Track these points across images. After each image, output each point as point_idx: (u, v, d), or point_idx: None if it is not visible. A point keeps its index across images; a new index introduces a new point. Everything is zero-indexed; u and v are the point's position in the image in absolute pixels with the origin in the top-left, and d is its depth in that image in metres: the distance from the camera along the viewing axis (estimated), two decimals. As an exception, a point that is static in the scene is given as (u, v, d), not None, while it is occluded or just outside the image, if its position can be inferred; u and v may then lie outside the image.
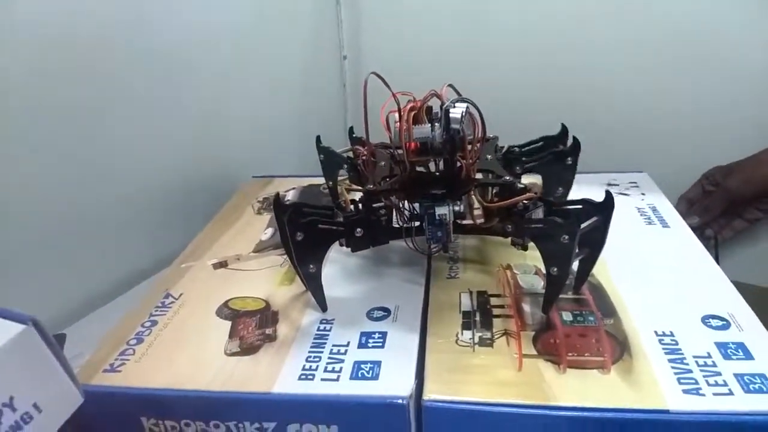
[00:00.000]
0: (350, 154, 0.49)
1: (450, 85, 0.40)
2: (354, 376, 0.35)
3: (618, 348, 0.36)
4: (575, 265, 0.40)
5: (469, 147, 0.40)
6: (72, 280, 0.54)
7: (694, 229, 0.64)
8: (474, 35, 0.75)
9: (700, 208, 0.66)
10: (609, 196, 0.37)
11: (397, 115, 0.39)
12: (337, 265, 0.48)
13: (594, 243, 0.39)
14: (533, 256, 0.41)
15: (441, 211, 0.40)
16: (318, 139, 0.50)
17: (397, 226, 0.44)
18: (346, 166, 0.48)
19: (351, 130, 0.51)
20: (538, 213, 0.39)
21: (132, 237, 0.59)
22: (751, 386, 0.33)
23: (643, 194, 0.57)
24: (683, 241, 0.49)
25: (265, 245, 0.51)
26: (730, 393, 0.32)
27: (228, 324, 0.41)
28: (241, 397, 0.35)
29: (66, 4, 0.49)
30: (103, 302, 0.53)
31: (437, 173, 0.42)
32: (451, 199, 0.40)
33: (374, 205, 0.42)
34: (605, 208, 0.38)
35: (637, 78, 0.69)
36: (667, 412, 0.32)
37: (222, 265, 0.49)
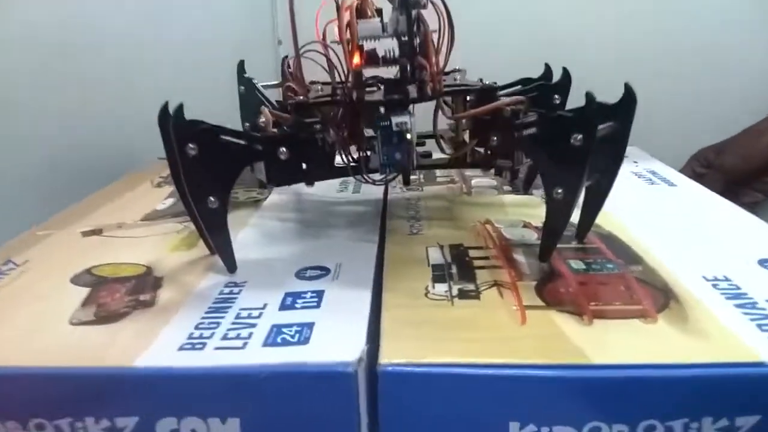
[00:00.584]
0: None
1: None
2: (270, 342, 0.22)
3: (659, 295, 0.25)
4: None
5: (432, 56, 0.29)
6: None
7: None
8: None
9: (693, 194, 0.57)
10: (629, 91, 0.27)
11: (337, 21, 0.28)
12: (258, 228, 0.35)
13: (608, 163, 0.28)
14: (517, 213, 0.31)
15: (399, 119, 0.28)
16: (241, 65, 0.38)
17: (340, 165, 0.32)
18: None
19: (241, 65, 0.39)
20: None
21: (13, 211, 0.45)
22: None
23: (635, 162, 0.48)
24: (700, 195, 0.39)
25: (161, 214, 0.38)
26: None
27: (84, 292, 0.28)
28: (78, 374, 0.21)
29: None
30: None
31: (393, 81, 0.31)
32: (410, 104, 0.29)
33: (306, 120, 0.30)
34: (624, 107, 0.27)
35: (618, 55, 0.62)
36: (762, 364, 0.20)
37: (95, 232, 0.35)
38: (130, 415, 0.21)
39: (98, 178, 0.49)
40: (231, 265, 0.29)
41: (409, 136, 0.29)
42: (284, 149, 0.29)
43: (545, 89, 0.36)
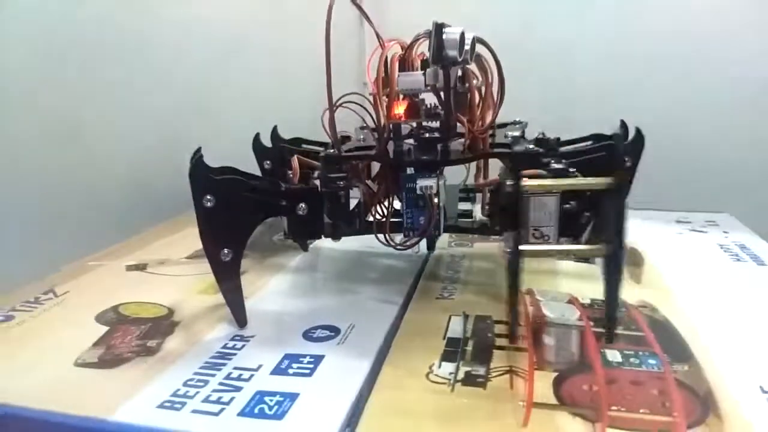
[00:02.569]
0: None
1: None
2: (247, 412, 0.21)
3: (698, 405, 0.21)
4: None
5: (478, 114, 0.27)
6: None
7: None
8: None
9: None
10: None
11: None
12: (289, 277, 0.35)
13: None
14: (568, 285, 0.28)
15: (424, 183, 0.27)
16: (257, 138, 0.38)
17: (370, 219, 0.31)
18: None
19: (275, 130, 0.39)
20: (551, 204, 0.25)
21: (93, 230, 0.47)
22: None
23: (725, 232, 0.42)
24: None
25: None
26: None
27: (104, 330, 0.28)
28: (64, 422, 0.21)
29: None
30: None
31: (427, 134, 0.29)
32: (440, 166, 0.27)
33: (331, 175, 0.29)
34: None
35: (713, 111, 0.56)
36: None
37: (139, 267, 0.36)
38: (98, 470, 0.21)
39: (163, 210, 0.51)
40: (241, 320, 0.28)
41: (436, 200, 0.27)
42: (303, 205, 0.28)
43: (612, 151, 0.33)
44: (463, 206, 0.33)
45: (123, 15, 0.48)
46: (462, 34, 0.26)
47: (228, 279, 0.27)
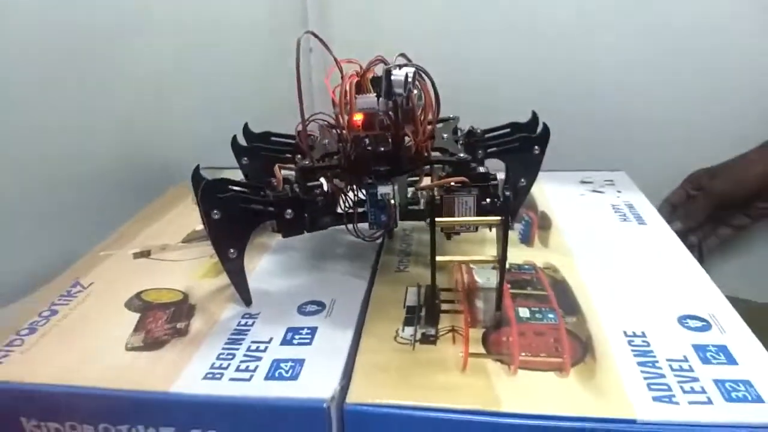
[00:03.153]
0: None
1: (402, 55, 0.36)
2: (270, 376, 0.30)
3: (579, 348, 0.31)
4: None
5: (421, 125, 0.35)
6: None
7: (677, 235, 0.60)
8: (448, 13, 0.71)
9: (684, 214, 0.61)
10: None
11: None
12: (274, 257, 0.43)
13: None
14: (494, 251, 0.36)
15: (384, 190, 0.35)
16: (235, 139, 0.44)
17: (340, 211, 0.39)
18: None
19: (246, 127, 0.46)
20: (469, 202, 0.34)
21: (65, 224, 0.53)
22: (733, 394, 0.27)
23: (618, 192, 0.53)
24: (660, 238, 0.44)
25: (198, 235, 0.46)
26: (709, 401, 0.27)
27: (135, 317, 0.36)
28: (133, 396, 0.29)
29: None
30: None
31: (382, 148, 0.37)
32: (395, 175, 0.35)
33: (309, 184, 0.36)
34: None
35: (617, 74, 0.65)
36: (633, 422, 0.26)
37: (144, 254, 0.43)
38: (169, 426, 0.29)
39: (143, 190, 0.57)
40: (247, 300, 0.36)
41: (392, 202, 0.35)
42: (290, 210, 0.36)
43: (526, 141, 0.42)
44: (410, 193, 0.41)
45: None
46: (406, 76, 0.33)
47: (235, 271, 0.35)
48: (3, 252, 0.49)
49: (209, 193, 0.33)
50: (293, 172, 0.38)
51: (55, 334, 0.34)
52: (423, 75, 0.34)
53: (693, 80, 0.63)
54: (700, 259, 0.60)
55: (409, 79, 0.33)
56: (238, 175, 0.58)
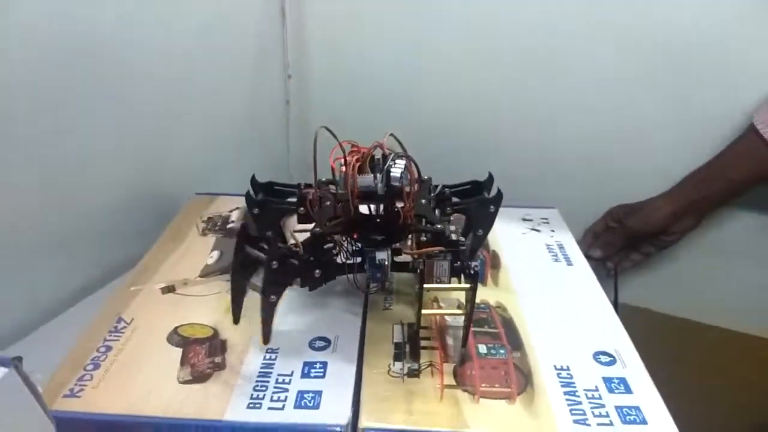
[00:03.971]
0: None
1: (391, 135, 0.43)
2: (298, 405, 0.40)
3: (523, 380, 0.43)
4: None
5: (407, 202, 0.43)
6: (15, 296, 0.55)
7: (597, 260, 0.74)
8: (410, 62, 0.81)
9: (603, 242, 0.75)
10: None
11: (342, 160, 0.43)
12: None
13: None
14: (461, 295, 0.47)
15: (381, 256, 0.45)
16: (248, 194, 0.51)
17: (340, 262, 0.48)
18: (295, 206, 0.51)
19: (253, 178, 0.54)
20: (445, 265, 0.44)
21: (76, 252, 0.60)
22: (627, 417, 0.40)
23: (552, 231, 0.65)
24: (583, 279, 0.57)
25: (211, 269, 0.55)
26: (611, 424, 0.39)
27: (178, 351, 0.45)
28: (195, 423, 0.39)
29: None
30: (48, 318, 0.55)
31: (378, 219, 0.46)
32: (390, 244, 0.45)
33: (325, 247, 0.46)
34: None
35: (552, 123, 0.77)
36: (559, 440, 0.38)
37: (170, 289, 0.52)
38: (222, 445, 0.39)
39: (140, 221, 0.65)
40: (267, 339, 0.45)
41: (387, 264, 0.45)
42: (318, 270, 0.45)
43: (483, 202, 0.52)
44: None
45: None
46: (401, 173, 0.42)
47: (270, 312, 0.44)
48: (33, 276, 0.56)
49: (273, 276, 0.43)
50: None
51: (115, 370, 0.43)
52: (412, 162, 0.44)
53: (614, 130, 0.75)
54: (615, 278, 0.74)
55: (403, 174, 0.42)
56: (231, 202, 0.67)
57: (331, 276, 0.48)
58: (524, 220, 0.67)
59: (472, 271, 0.42)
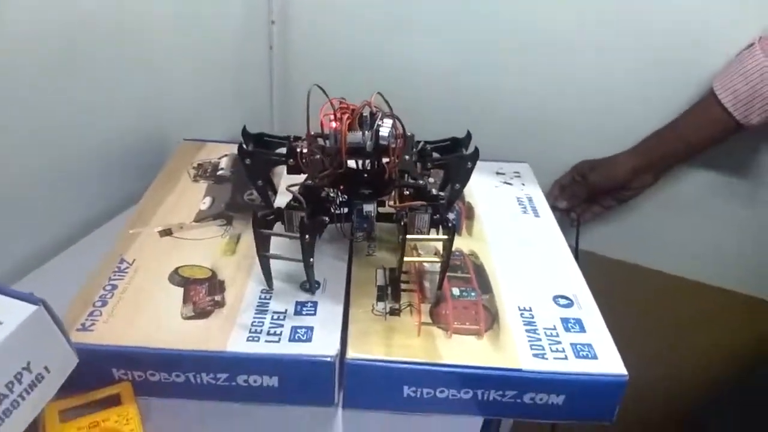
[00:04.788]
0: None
1: (379, 93, 0.47)
2: (292, 339, 0.45)
3: (490, 319, 0.49)
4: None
5: (392, 159, 0.47)
6: (17, 234, 0.58)
7: (562, 210, 0.79)
8: (395, 11, 0.83)
9: (568, 194, 0.80)
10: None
11: (331, 115, 0.46)
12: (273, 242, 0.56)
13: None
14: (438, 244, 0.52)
15: (368, 208, 0.49)
16: (241, 146, 0.54)
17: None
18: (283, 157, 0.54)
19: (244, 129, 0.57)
20: (425, 217, 0.49)
21: (74, 192, 0.63)
22: (581, 353, 0.46)
23: (523, 184, 0.70)
24: (548, 230, 0.62)
25: (205, 215, 0.58)
26: (566, 358, 0.45)
27: (179, 290, 0.49)
28: (199, 354, 0.44)
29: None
30: (47, 257, 0.58)
31: (365, 173, 0.50)
32: (377, 197, 0.49)
33: (322, 195, 0.49)
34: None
35: (525, 79, 0.81)
36: (520, 370, 0.44)
37: (167, 233, 0.56)
38: (224, 373, 0.44)
39: (134, 163, 0.67)
40: (271, 286, 0.49)
41: (373, 215, 0.49)
42: (326, 218, 0.49)
43: (461, 159, 0.56)
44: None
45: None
46: (390, 131, 0.46)
47: (267, 264, 0.48)
48: (32, 216, 0.59)
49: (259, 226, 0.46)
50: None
51: (122, 306, 0.47)
52: (398, 121, 0.47)
53: (584, 95, 0.80)
54: (577, 228, 0.80)
55: (391, 133, 0.46)
56: (219, 149, 0.70)
57: (327, 225, 0.51)
58: (498, 173, 0.72)
59: (449, 224, 0.47)
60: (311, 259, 0.47)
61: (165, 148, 0.71)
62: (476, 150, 0.56)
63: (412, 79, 0.83)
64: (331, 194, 0.50)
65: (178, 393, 0.45)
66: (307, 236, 0.46)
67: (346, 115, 0.46)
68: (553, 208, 0.66)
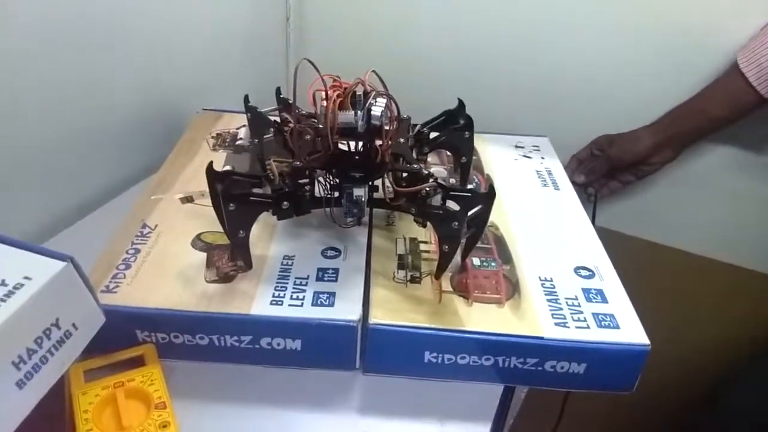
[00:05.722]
0: (278, 118, 0.54)
1: (373, 71, 0.45)
2: (314, 303, 0.45)
3: (511, 288, 0.49)
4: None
5: (385, 141, 0.44)
6: (37, 202, 0.59)
7: (580, 185, 0.79)
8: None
9: (586, 169, 0.79)
10: (491, 190, 0.43)
11: (323, 93, 0.44)
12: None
13: (479, 225, 0.45)
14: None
15: (358, 192, 0.47)
16: (246, 98, 0.55)
17: (318, 195, 0.49)
18: (272, 129, 0.53)
19: (278, 91, 0.55)
20: (437, 199, 0.46)
21: (96, 160, 0.64)
22: (603, 323, 0.46)
23: (542, 158, 0.69)
24: (569, 203, 0.62)
25: (226, 183, 0.58)
26: (588, 327, 0.45)
27: (202, 255, 0.49)
28: (223, 317, 0.44)
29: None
30: (67, 223, 0.59)
31: (356, 155, 0.47)
32: (367, 181, 0.47)
33: (300, 181, 0.47)
34: (488, 198, 0.44)
35: (542, 50, 0.80)
36: (542, 338, 0.44)
37: (188, 200, 0.56)
38: (248, 335, 0.44)
39: (152, 132, 0.68)
40: (249, 265, 0.47)
41: (363, 199, 0.47)
42: (286, 203, 0.46)
43: (456, 131, 0.55)
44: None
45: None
46: (382, 111, 0.43)
47: (242, 246, 0.46)
48: (54, 183, 0.60)
49: (228, 190, 0.44)
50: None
51: (146, 269, 0.47)
52: (392, 101, 0.44)
53: (604, 67, 0.79)
54: (594, 204, 0.80)
55: (383, 112, 0.43)
56: (237, 119, 0.70)
57: (306, 209, 0.49)
58: (516, 147, 0.71)
59: (482, 191, 0.45)
60: (240, 232, 0.45)
61: (182, 118, 0.71)
62: (468, 118, 0.54)
63: (428, 51, 0.82)
64: (321, 176, 0.48)
65: (201, 355, 0.45)
66: (232, 205, 0.43)
67: (337, 93, 0.44)
68: (571, 183, 0.65)
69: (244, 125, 0.69)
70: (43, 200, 0.59)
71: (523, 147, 0.71)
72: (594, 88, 0.80)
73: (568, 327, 0.45)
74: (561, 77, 0.81)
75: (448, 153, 0.63)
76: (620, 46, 0.77)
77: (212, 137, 0.66)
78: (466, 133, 0.55)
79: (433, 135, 0.55)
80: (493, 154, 0.68)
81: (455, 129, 0.55)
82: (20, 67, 0.54)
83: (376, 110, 0.43)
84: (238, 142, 0.66)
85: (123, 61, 0.64)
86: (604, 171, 0.79)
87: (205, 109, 0.72)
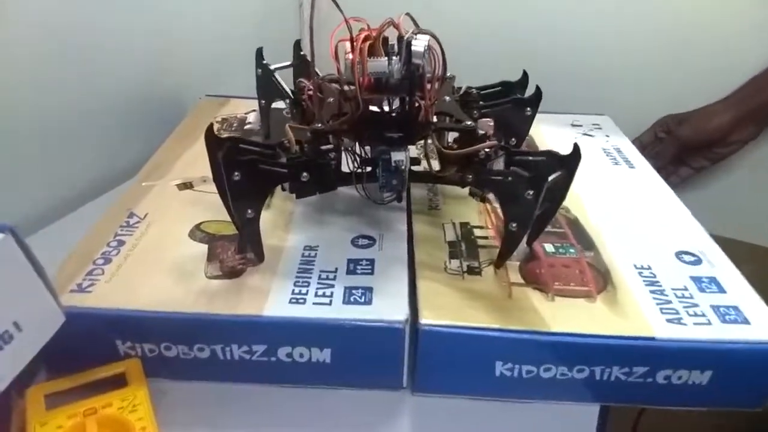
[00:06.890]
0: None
1: (407, 14, 0.36)
2: (346, 301, 0.34)
3: (601, 279, 0.38)
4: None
5: (429, 86, 0.35)
6: (24, 194, 0.49)
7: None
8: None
9: (651, 154, 0.68)
10: (576, 149, 0.33)
11: (348, 44, 0.34)
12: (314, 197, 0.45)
13: (555, 198, 0.34)
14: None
15: (397, 157, 0.37)
16: (259, 52, 0.46)
17: (347, 170, 0.40)
18: (287, 101, 0.44)
19: (297, 44, 0.47)
20: (499, 163, 0.36)
21: (89, 150, 0.55)
22: (726, 317, 0.35)
23: (607, 136, 0.59)
24: (650, 181, 0.51)
25: (233, 167, 0.48)
26: (709, 323, 0.34)
27: (202, 247, 0.39)
28: (229, 319, 0.33)
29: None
30: (57, 217, 0.49)
31: (393, 113, 0.38)
32: (408, 143, 0.37)
33: (322, 147, 0.37)
34: (571, 161, 0.33)
35: (600, 25, 0.70)
36: (653, 339, 0.33)
37: (187, 186, 0.46)
38: (261, 344, 0.34)
39: (151, 120, 0.59)
40: (261, 257, 0.37)
41: (404, 166, 0.37)
42: (306, 173, 0.36)
43: (519, 103, 0.44)
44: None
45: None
46: (425, 47, 0.33)
47: (251, 230, 0.36)
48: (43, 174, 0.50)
49: (231, 155, 0.33)
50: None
51: (131, 263, 0.37)
52: (436, 40, 0.34)
53: (668, 34, 0.68)
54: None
55: (426, 50, 0.33)
56: (244, 105, 0.60)
57: (331, 185, 0.39)
58: (573, 125, 0.61)
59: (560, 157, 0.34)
60: (249, 212, 0.35)
61: (178, 107, 0.62)
62: (538, 91, 0.44)
63: (467, 27, 0.72)
64: (348, 147, 0.39)
65: (200, 373, 0.35)
66: (237, 174, 0.33)
67: (365, 36, 0.35)
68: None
69: (254, 110, 0.60)
70: (38, 191, 0.51)
71: (581, 125, 0.61)
72: (655, 59, 0.69)
73: (685, 324, 0.34)
74: (617, 50, 0.70)
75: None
76: (683, 8, 0.66)
77: (217, 122, 0.57)
78: (528, 109, 0.44)
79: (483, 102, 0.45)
80: (548, 133, 0.58)
81: (517, 101, 0.44)
82: (16, 54, 0.46)
83: (418, 46, 0.33)
84: (247, 126, 0.57)
85: (123, 43, 0.56)
86: (673, 155, 0.68)
87: (209, 95, 0.63)
